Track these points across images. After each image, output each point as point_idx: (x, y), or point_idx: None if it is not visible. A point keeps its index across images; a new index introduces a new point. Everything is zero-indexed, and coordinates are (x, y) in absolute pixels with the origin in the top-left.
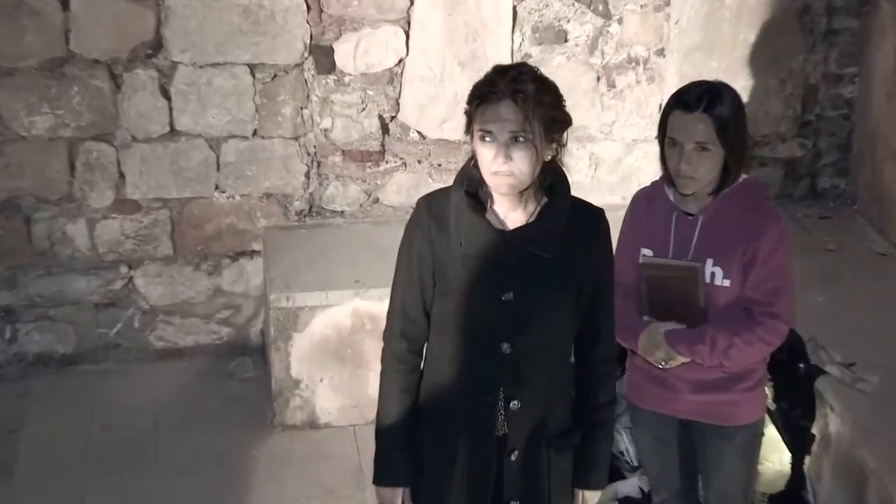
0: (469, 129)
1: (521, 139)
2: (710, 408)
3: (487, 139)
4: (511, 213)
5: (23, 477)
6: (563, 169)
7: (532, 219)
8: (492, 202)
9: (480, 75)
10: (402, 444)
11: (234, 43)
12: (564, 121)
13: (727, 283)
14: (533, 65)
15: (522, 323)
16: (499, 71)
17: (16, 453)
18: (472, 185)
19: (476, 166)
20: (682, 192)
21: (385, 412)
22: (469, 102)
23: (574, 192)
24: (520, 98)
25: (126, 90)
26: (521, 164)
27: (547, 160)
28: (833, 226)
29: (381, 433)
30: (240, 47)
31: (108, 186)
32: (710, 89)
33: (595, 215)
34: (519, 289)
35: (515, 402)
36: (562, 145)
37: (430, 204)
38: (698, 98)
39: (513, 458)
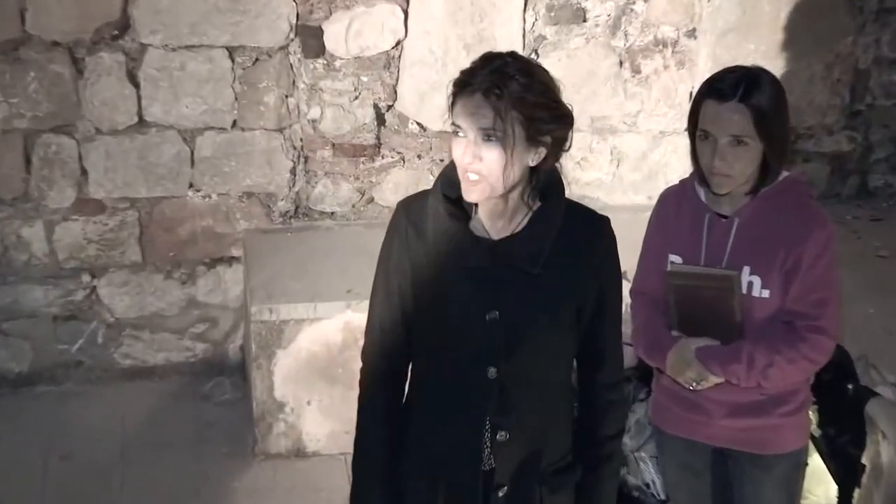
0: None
1: (491, 138)
2: (747, 434)
3: (459, 133)
4: (498, 222)
5: None
6: (560, 173)
7: (520, 228)
8: (476, 208)
9: None
10: (382, 477)
11: (210, 23)
12: (557, 121)
13: (766, 293)
14: (544, 49)
15: (511, 345)
16: (484, 59)
17: None
18: (453, 189)
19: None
20: (715, 192)
21: (363, 441)
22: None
23: (594, 191)
24: (493, 94)
25: (89, 76)
26: (490, 166)
27: (532, 164)
28: (886, 229)
29: (359, 465)
30: (217, 28)
31: (68, 184)
32: (747, 75)
33: (596, 223)
34: (506, 307)
35: (503, 432)
36: (562, 149)
37: (409, 208)
38: (734, 85)
39: (500, 494)
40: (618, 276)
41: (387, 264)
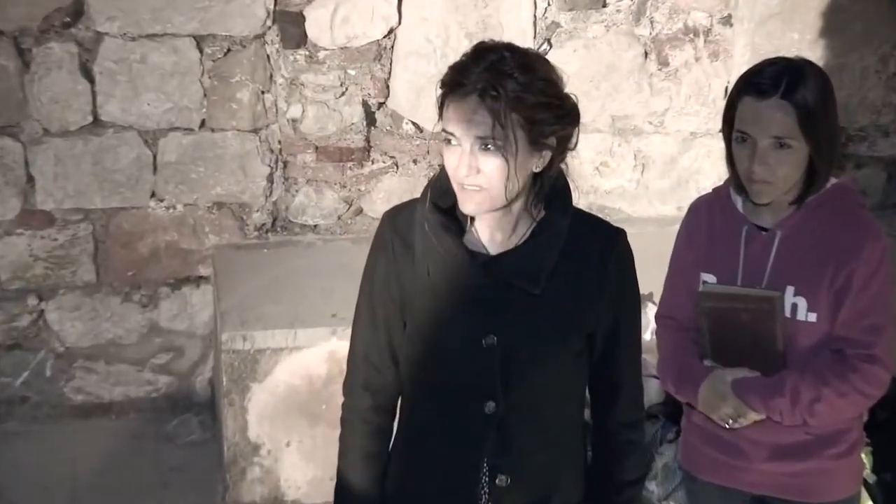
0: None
1: (490, 146)
2: (791, 480)
3: (452, 142)
4: (496, 234)
5: None
6: (567, 177)
7: (521, 242)
8: (472, 220)
9: None
10: None
11: (175, 8)
12: (561, 120)
13: (813, 317)
14: (558, 38)
15: (510, 376)
16: (476, 53)
17: None
18: (445, 198)
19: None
20: (754, 201)
21: (345, 486)
22: (442, 88)
23: (615, 201)
24: (490, 96)
25: (37, 70)
26: (490, 177)
27: (536, 170)
28: None
29: None
30: (183, 14)
31: (12, 193)
32: (789, 68)
33: (609, 236)
34: (504, 332)
35: (503, 476)
36: (567, 149)
37: (396, 220)
38: (775, 79)
39: None
40: (635, 297)
41: (371, 285)
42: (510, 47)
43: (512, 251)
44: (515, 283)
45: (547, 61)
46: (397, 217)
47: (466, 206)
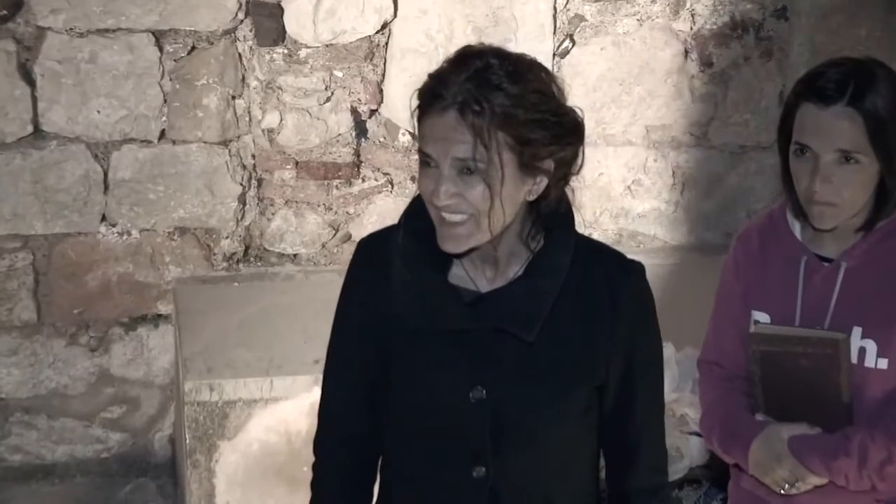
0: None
1: (472, 171)
2: None
3: (430, 164)
4: (486, 269)
5: None
6: (570, 201)
7: (515, 278)
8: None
9: (507, 46)
10: None
11: None
12: (560, 140)
13: (884, 363)
14: (582, 34)
15: (502, 436)
16: (458, 60)
17: None
18: (423, 223)
19: None
20: (815, 226)
21: None
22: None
23: (649, 226)
24: (472, 111)
25: None
26: (473, 205)
27: (530, 199)
28: None
29: None
30: (140, 5)
31: None
32: (857, 71)
33: (622, 271)
34: (494, 384)
35: None
36: (569, 174)
37: (370, 250)
38: (840, 84)
39: None
40: (653, 342)
41: (344, 325)
42: (499, 53)
43: (503, 290)
44: (508, 328)
45: (544, 69)
46: (371, 246)
47: (446, 243)
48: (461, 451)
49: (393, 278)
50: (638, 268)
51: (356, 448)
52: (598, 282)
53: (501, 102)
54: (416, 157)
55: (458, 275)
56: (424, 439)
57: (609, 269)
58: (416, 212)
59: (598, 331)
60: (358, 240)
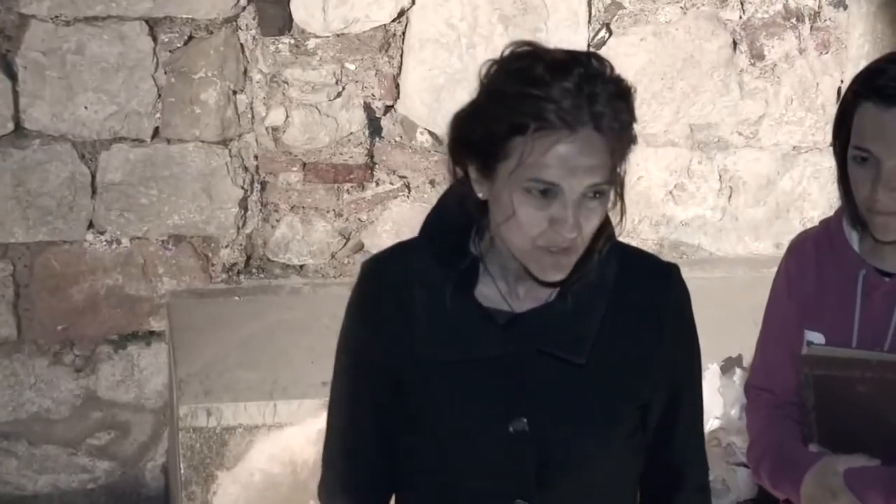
0: (485, 162)
1: (598, 195)
2: None
3: (548, 194)
4: (519, 286)
5: None
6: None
7: (554, 294)
8: (484, 268)
9: (538, 41)
10: None
11: None
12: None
13: None
14: (620, 24)
15: (547, 469)
16: (562, 65)
17: None
18: (446, 240)
19: (467, 211)
20: (877, 238)
21: None
22: (503, 120)
23: (693, 236)
24: (611, 128)
25: None
26: (588, 232)
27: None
28: None
29: None
30: None
31: None
32: None
33: (663, 276)
34: (538, 413)
35: None
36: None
37: (382, 273)
38: None
39: None
40: (696, 352)
41: (352, 358)
42: (597, 56)
43: (544, 308)
44: (553, 351)
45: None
46: (383, 269)
47: (555, 274)
48: (500, 489)
49: (414, 303)
50: (676, 272)
51: (369, 491)
52: (639, 290)
53: (624, 111)
54: (436, 158)
55: (487, 294)
56: (455, 480)
57: (647, 276)
58: (435, 228)
59: (644, 346)
60: (370, 249)
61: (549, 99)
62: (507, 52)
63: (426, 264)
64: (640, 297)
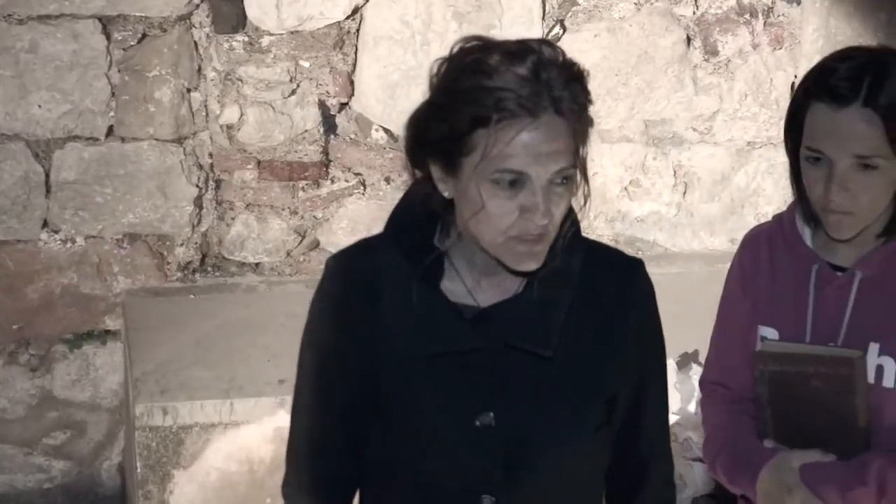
0: (448, 159)
1: (564, 180)
2: None
3: (516, 183)
4: (485, 280)
5: None
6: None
7: (521, 288)
8: (450, 261)
9: (491, 33)
10: None
11: None
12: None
13: None
14: (574, 20)
15: (515, 462)
16: (515, 54)
17: None
18: (412, 236)
19: (431, 208)
20: (832, 236)
21: None
22: (464, 115)
23: (649, 231)
24: (571, 110)
25: None
26: (557, 218)
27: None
28: None
29: None
30: None
31: None
32: (870, 63)
33: (629, 270)
34: (504, 407)
35: None
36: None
37: (349, 269)
38: (854, 80)
39: None
40: (662, 346)
41: (318, 354)
42: (541, 41)
43: (511, 301)
44: (520, 344)
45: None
46: (349, 266)
47: (525, 262)
48: (467, 484)
49: (381, 298)
50: (642, 267)
51: (335, 489)
52: (604, 287)
53: (582, 91)
54: (392, 155)
55: (452, 289)
56: (422, 475)
57: (613, 271)
58: (400, 225)
59: (611, 340)
60: (326, 247)
61: (507, 88)
62: (456, 49)
63: (392, 260)
64: (607, 291)
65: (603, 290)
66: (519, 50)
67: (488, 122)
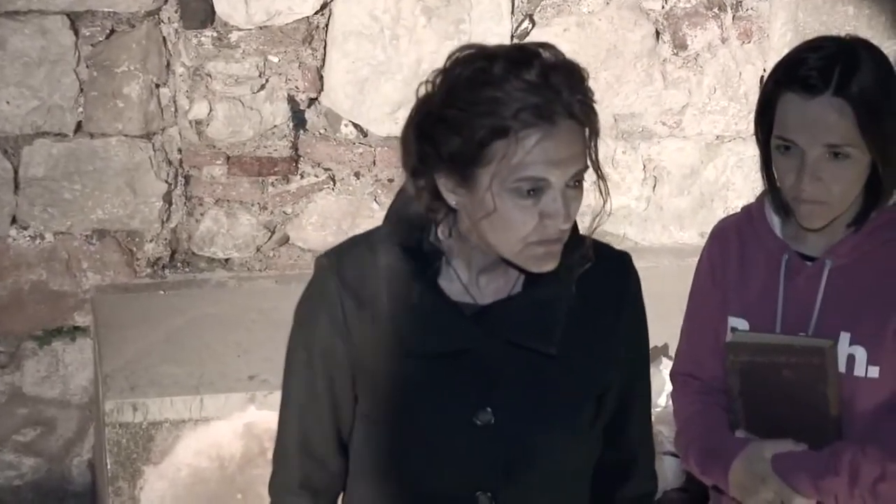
0: (464, 170)
1: (578, 182)
2: None
3: (535, 191)
4: (484, 278)
5: None
6: None
7: (518, 286)
8: (447, 259)
9: (461, 32)
10: None
11: None
12: None
13: (875, 372)
14: (543, 15)
15: (514, 458)
16: (520, 61)
17: None
18: (410, 234)
19: (422, 206)
20: (804, 226)
21: None
22: (480, 126)
23: (618, 226)
24: (583, 112)
25: None
26: (573, 219)
27: None
28: None
29: None
30: None
31: None
32: (840, 53)
33: (622, 265)
34: (504, 405)
35: None
36: None
37: (342, 266)
38: (824, 70)
39: None
40: (647, 339)
41: (309, 352)
42: (539, 44)
43: (511, 299)
44: (523, 342)
45: None
46: (343, 264)
47: (550, 263)
48: (464, 479)
49: (376, 296)
50: (630, 260)
51: (322, 491)
52: (597, 281)
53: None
54: (362, 150)
55: (452, 288)
56: (418, 475)
57: (604, 265)
58: (400, 222)
59: (605, 335)
60: (295, 242)
61: (522, 97)
62: (453, 59)
63: (390, 258)
64: (599, 285)
65: (595, 284)
66: (522, 56)
67: (507, 132)
